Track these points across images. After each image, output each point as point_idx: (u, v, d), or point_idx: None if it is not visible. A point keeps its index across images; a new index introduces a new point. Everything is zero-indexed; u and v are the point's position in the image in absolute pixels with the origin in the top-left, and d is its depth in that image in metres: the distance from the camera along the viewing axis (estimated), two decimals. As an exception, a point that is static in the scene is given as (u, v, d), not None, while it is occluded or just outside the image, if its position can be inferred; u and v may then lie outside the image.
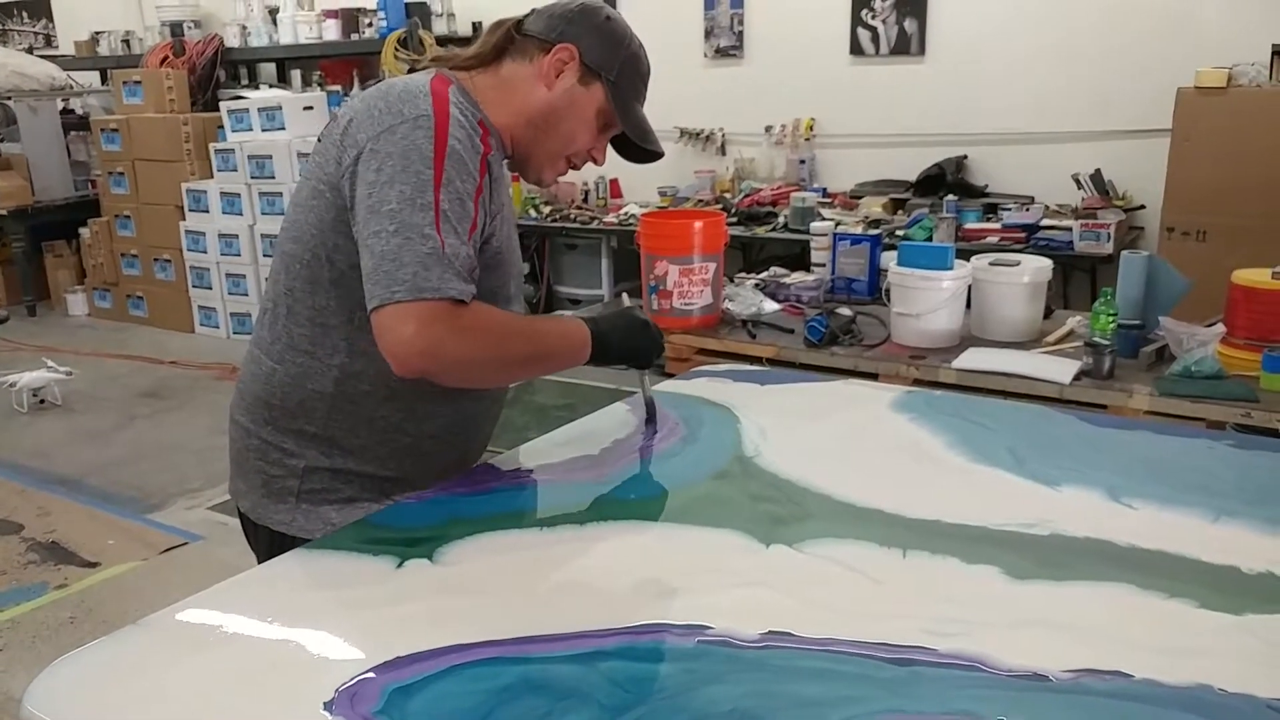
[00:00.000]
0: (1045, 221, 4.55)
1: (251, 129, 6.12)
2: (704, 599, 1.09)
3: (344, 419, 1.41)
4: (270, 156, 5.98)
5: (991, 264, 3.31)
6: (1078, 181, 4.70)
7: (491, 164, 1.33)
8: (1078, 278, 4.56)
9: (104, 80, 7.76)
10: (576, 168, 1.47)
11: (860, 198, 5.28)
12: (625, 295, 1.57)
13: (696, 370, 1.93)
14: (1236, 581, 1.10)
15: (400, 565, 1.18)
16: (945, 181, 5.02)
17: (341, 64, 6.73)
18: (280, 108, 6.03)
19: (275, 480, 1.44)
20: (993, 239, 4.52)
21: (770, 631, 1.01)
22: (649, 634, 1.02)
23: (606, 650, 1.00)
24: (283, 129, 6.02)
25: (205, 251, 6.32)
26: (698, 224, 3.63)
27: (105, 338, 6.52)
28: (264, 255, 6.09)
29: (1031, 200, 4.86)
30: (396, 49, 5.97)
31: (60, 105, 7.70)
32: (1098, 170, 4.67)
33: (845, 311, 3.47)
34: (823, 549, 1.19)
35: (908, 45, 5.24)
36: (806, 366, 3.25)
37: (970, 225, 4.65)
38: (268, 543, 1.45)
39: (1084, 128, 4.83)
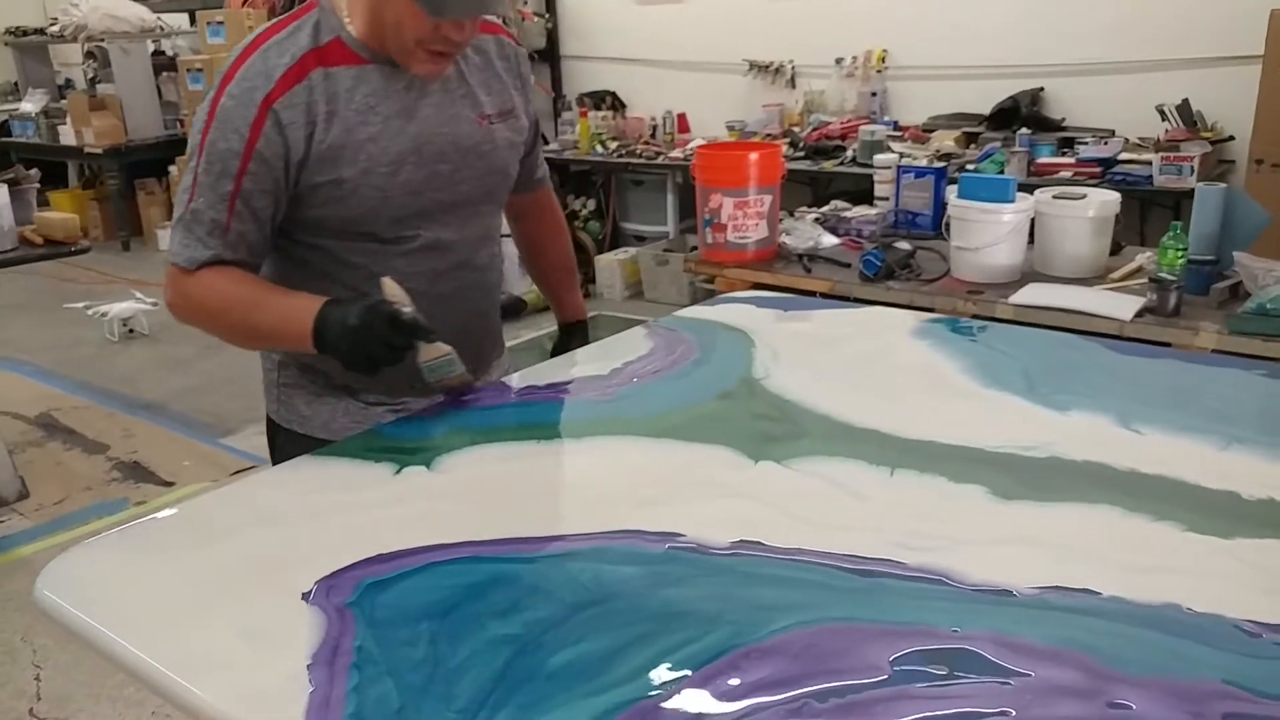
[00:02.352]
0: (1124, 155, 4.37)
1: (327, 66, 6.20)
2: (683, 509, 1.10)
3: None
4: (344, 93, 6.06)
5: (1055, 197, 3.20)
6: (1162, 113, 4.49)
7: (279, 111, 1.29)
8: (1158, 213, 4.38)
9: (192, 22, 7.93)
10: (447, 55, 1.34)
11: (932, 131, 5.13)
12: (387, 281, 1.32)
13: (722, 296, 1.92)
14: (1232, 507, 1.06)
15: (398, 472, 1.22)
16: (1020, 115, 4.84)
17: (414, 0, 6.75)
18: (353, 44, 6.09)
19: (266, 371, 1.55)
20: (1066, 173, 4.36)
21: (741, 540, 1.02)
22: (622, 539, 1.04)
23: (579, 552, 1.02)
24: (356, 66, 6.08)
25: (283, 188, 6.47)
26: (753, 156, 3.57)
27: (191, 272, 6.75)
28: (339, 191, 6.21)
29: (1111, 133, 4.66)
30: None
31: (151, 47, 7.91)
32: (1185, 100, 4.45)
33: (904, 245, 3.40)
34: (811, 466, 1.19)
35: (987, -28, 5.03)
36: (861, 300, 3.19)
37: (1043, 159, 4.49)
38: (269, 428, 1.57)
39: (1170, 55, 4.60)
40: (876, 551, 0.99)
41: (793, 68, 5.81)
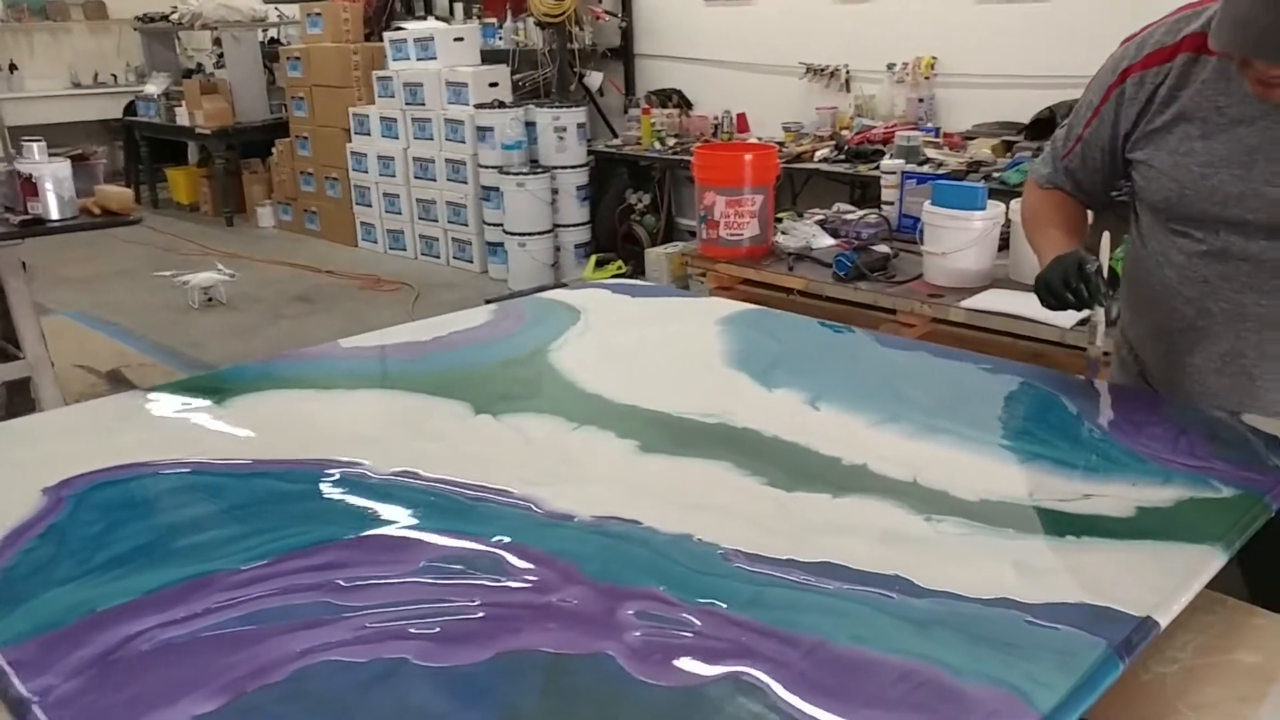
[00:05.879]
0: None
1: (408, 58, 6.60)
2: (385, 446, 1.31)
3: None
4: (422, 84, 6.44)
5: (1026, 205, 3.26)
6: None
7: (1128, 84, 1.43)
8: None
9: (306, 14, 8.51)
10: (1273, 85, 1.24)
11: (973, 139, 5.14)
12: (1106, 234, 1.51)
13: (589, 282, 2.11)
14: (824, 468, 1.20)
15: (186, 405, 1.47)
16: (1055, 124, 4.81)
17: (498, -2, 7.09)
18: (433, 39, 6.47)
19: None
20: (1090, 184, 4.34)
21: (402, 470, 1.23)
22: (312, 466, 1.25)
23: (269, 474, 1.24)
24: (434, 59, 6.46)
25: (366, 171, 6.91)
26: (747, 157, 3.73)
27: (281, 247, 7.27)
28: (415, 177, 6.59)
29: (1150, 145, 4.60)
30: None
31: (267, 36, 8.51)
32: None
33: (882, 249, 3.51)
34: (517, 420, 1.38)
35: (1036, -20, 5.00)
36: (831, 299, 3.35)
37: (1071, 169, 4.47)
38: None
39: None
40: (499, 482, 1.18)
41: (847, 72, 5.87)
